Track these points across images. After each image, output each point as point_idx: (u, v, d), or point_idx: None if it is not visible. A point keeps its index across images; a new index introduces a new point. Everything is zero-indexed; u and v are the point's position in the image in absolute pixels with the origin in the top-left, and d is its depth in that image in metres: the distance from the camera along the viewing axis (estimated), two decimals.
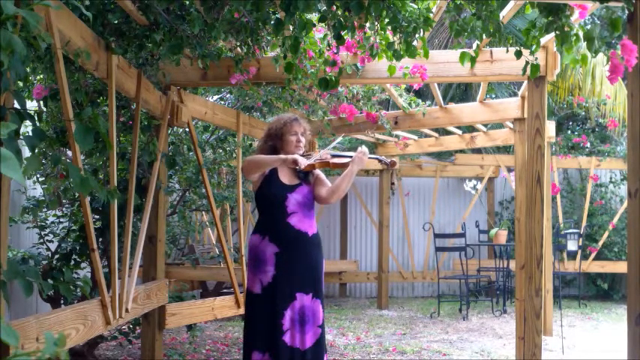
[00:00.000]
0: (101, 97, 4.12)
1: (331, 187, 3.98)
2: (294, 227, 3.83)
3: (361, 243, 10.64)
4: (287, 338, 3.74)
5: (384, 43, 3.60)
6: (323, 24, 3.26)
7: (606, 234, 9.91)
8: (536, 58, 3.53)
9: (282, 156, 3.86)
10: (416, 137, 8.61)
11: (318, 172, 4.01)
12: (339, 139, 4.36)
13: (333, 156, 3.99)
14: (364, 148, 3.95)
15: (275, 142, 3.97)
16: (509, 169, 9.57)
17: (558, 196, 9.88)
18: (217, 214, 5.25)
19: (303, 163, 3.79)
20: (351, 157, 3.95)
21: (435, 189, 10.36)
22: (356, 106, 5.70)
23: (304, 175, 3.98)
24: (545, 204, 6.20)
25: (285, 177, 3.93)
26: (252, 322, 3.83)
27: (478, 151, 10.32)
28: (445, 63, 4.68)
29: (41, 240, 4.98)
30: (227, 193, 6.12)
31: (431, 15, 3.40)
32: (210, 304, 5.05)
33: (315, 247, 3.91)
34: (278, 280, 3.78)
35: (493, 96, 10.43)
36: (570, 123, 11.25)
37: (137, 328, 5.12)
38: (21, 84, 3.89)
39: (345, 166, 3.92)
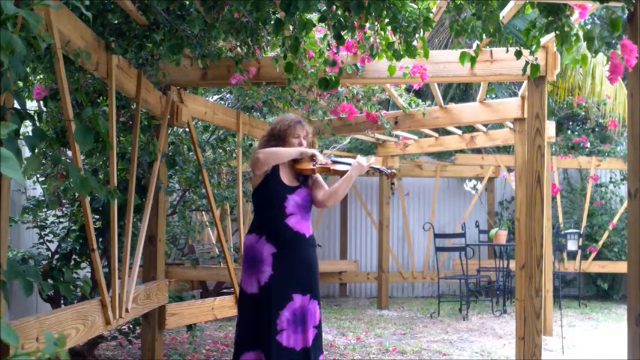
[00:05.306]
0: (101, 97, 4.11)
1: (329, 190, 3.97)
2: (292, 228, 3.82)
3: (361, 243, 10.64)
4: (282, 339, 3.72)
5: (384, 43, 3.60)
6: (323, 24, 3.26)
7: (606, 234, 9.91)
8: (536, 58, 3.53)
9: (302, 148, 3.90)
10: (416, 137, 8.61)
11: (316, 175, 4.02)
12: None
13: (334, 162, 4.00)
14: (367, 157, 3.99)
15: (277, 143, 3.96)
16: (509, 169, 9.57)
17: (558, 196, 9.88)
18: (217, 214, 5.24)
19: (321, 158, 3.85)
20: (350, 164, 3.96)
21: (435, 189, 10.36)
22: (356, 106, 5.70)
23: (304, 179, 3.97)
24: (545, 204, 6.20)
25: (286, 177, 3.92)
26: (246, 321, 3.82)
27: (478, 151, 10.33)
28: (445, 63, 4.68)
29: (41, 240, 4.98)
30: (227, 193, 6.12)
31: (431, 15, 3.40)
32: (210, 304, 5.05)
33: (311, 248, 3.92)
34: (275, 280, 3.77)
35: (493, 96, 10.43)
36: (570, 123, 11.26)
37: (137, 328, 5.11)
38: (21, 84, 3.88)
39: (344, 173, 3.93)
